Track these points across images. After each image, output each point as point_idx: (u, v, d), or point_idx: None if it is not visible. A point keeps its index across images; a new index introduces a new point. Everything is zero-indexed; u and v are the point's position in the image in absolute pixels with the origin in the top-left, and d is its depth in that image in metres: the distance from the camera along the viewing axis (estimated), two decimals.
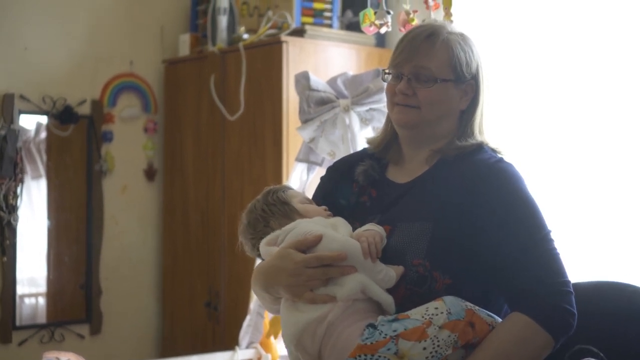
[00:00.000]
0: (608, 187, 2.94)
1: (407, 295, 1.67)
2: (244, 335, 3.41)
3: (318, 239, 1.66)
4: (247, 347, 3.41)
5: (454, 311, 1.58)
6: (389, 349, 1.54)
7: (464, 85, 1.79)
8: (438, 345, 1.55)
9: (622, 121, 2.91)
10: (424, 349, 1.55)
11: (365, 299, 1.64)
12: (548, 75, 3.13)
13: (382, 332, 1.56)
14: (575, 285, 2.06)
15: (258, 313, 3.36)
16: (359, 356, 1.55)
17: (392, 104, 1.81)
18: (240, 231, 1.86)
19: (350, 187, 1.87)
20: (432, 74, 1.75)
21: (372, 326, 1.58)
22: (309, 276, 1.63)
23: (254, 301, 3.35)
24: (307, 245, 1.67)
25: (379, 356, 1.54)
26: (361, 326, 1.58)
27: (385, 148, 1.89)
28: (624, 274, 2.67)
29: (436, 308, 1.59)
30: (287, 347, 1.71)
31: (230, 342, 3.62)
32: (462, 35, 1.81)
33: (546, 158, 3.10)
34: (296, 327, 1.65)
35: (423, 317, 1.58)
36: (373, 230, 1.71)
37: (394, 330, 1.56)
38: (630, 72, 2.89)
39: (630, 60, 2.89)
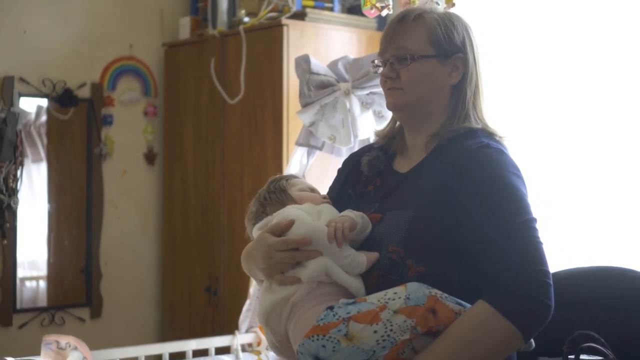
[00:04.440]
0: (609, 174, 2.93)
1: (380, 281, 1.67)
2: (244, 320, 3.42)
3: (290, 224, 1.70)
4: (247, 331, 3.42)
5: (414, 297, 1.57)
6: (339, 330, 1.55)
7: (451, 60, 1.77)
8: (391, 330, 1.54)
9: (623, 110, 2.89)
10: (375, 332, 1.54)
11: (332, 283, 1.67)
12: (549, 61, 3.11)
13: (336, 314, 1.58)
14: (576, 270, 2.07)
15: (257, 297, 3.35)
16: (312, 336, 1.57)
17: (385, 91, 1.82)
18: (246, 219, 1.90)
19: (359, 177, 1.89)
20: (410, 53, 1.75)
21: (330, 308, 1.60)
22: (278, 259, 1.68)
23: (254, 286, 3.35)
24: (281, 230, 1.71)
25: (330, 337, 1.55)
26: (322, 308, 1.60)
27: (390, 139, 1.90)
28: (624, 259, 2.66)
29: (395, 293, 1.59)
30: (262, 326, 1.76)
31: (230, 327, 3.62)
32: (441, 13, 1.81)
33: (549, 145, 3.09)
34: (264, 307, 1.70)
35: (379, 301, 1.58)
36: (346, 215, 1.72)
37: (348, 313, 1.57)
38: (629, 61, 2.87)
39: (627, 49, 2.88)
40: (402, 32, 1.77)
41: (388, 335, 1.54)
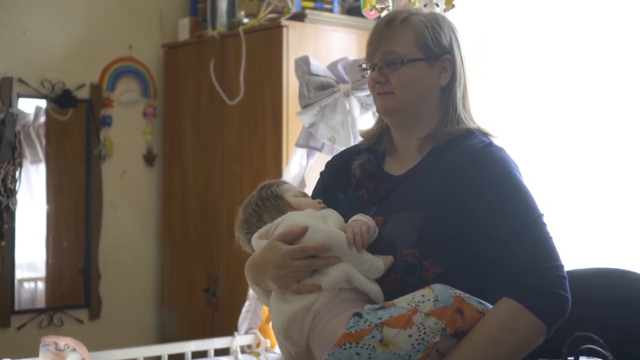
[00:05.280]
0: (609, 176, 2.93)
1: (397, 284, 1.66)
2: (243, 321, 3.41)
3: (304, 231, 1.65)
4: (246, 332, 3.41)
5: (442, 298, 1.56)
6: (373, 337, 1.53)
7: (439, 62, 1.77)
8: (424, 333, 1.54)
9: (624, 111, 2.89)
10: (410, 336, 1.53)
11: (352, 289, 1.64)
12: (549, 61, 3.11)
13: (367, 320, 1.55)
14: (576, 271, 2.06)
15: (257, 299, 3.35)
16: (344, 345, 1.54)
17: (374, 95, 1.81)
18: (236, 227, 1.86)
19: (348, 180, 1.87)
20: (399, 57, 1.75)
21: (358, 315, 1.57)
22: (295, 267, 1.63)
23: None
24: (293, 237, 1.66)
25: (364, 344, 1.53)
26: (347, 315, 1.57)
27: (378, 140, 1.88)
28: (624, 261, 2.66)
29: (423, 295, 1.57)
30: (277, 338, 1.71)
31: (229, 328, 3.62)
32: (427, 14, 1.80)
33: (548, 146, 3.09)
34: (283, 317, 1.65)
35: (409, 304, 1.57)
36: (360, 220, 1.70)
37: (379, 318, 1.55)
38: (630, 61, 2.87)
39: (628, 49, 2.88)
40: (389, 36, 1.76)
41: (422, 339, 1.54)
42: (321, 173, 1.95)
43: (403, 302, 1.58)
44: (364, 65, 1.82)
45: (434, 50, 1.76)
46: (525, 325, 1.57)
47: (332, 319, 1.60)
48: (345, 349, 1.53)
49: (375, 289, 1.65)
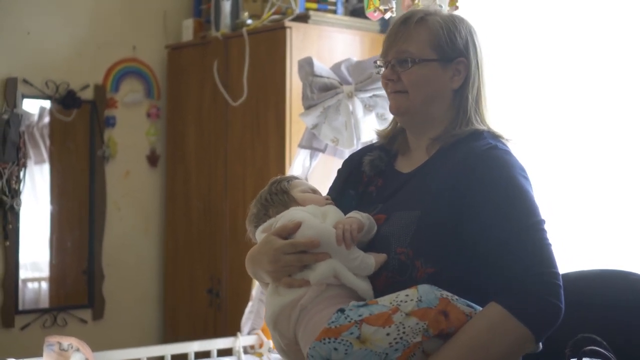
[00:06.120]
0: (612, 177, 2.92)
1: (389, 283, 1.66)
2: (246, 322, 3.41)
3: (297, 226, 1.68)
4: (249, 333, 3.42)
5: (426, 299, 1.56)
6: (351, 333, 1.55)
7: (453, 64, 1.77)
8: (404, 332, 1.54)
9: (628, 113, 2.89)
10: (388, 334, 1.54)
11: (340, 285, 1.66)
12: (553, 63, 3.11)
13: (348, 316, 1.57)
14: (579, 273, 2.06)
15: (260, 299, 3.35)
16: (324, 339, 1.56)
17: (387, 93, 1.82)
18: (247, 220, 1.89)
19: (360, 177, 1.88)
20: (412, 56, 1.75)
21: (341, 311, 1.59)
22: (285, 262, 1.67)
23: (256, 288, 3.35)
24: (287, 232, 1.69)
25: (342, 339, 1.54)
26: (332, 311, 1.59)
27: (392, 139, 1.90)
28: (627, 262, 2.66)
29: (407, 295, 1.58)
30: (269, 330, 1.75)
31: (232, 329, 3.62)
32: (444, 15, 1.80)
33: (552, 148, 3.08)
34: (273, 310, 1.68)
35: (391, 303, 1.57)
36: (353, 217, 1.72)
37: (360, 315, 1.56)
38: (634, 64, 2.87)
39: (633, 53, 2.87)
40: (404, 34, 1.77)
41: (401, 338, 1.54)
42: (338, 170, 1.97)
43: (386, 301, 1.59)
44: (378, 62, 1.83)
45: (447, 52, 1.76)
46: (511, 330, 1.55)
47: (317, 314, 1.62)
48: (324, 343, 1.55)
49: (363, 286, 1.66)
